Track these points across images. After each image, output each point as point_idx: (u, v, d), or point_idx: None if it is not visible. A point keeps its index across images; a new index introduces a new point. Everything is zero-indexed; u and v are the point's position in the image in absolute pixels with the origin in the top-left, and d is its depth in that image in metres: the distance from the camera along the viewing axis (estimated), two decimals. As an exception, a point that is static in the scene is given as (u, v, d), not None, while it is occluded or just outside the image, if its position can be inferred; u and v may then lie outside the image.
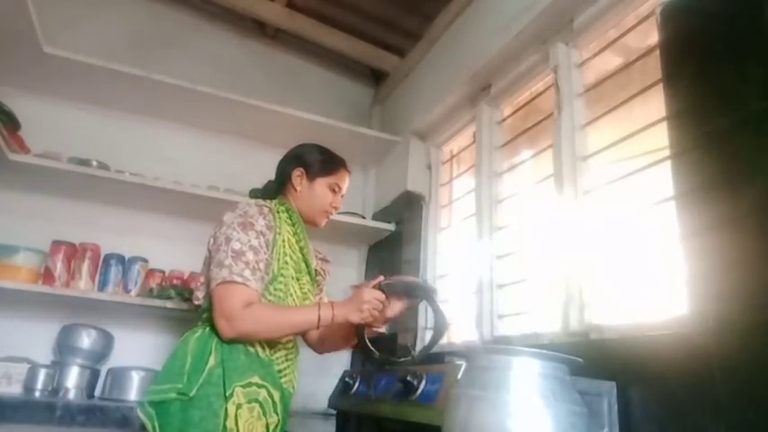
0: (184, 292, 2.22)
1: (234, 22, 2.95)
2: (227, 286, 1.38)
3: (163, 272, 2.35)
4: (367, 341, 1.57)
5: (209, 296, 1.47)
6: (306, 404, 2.34)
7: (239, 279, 1.38)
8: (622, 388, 1.14)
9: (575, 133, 1.68)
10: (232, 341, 1.40)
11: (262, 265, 1.44)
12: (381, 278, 1.54)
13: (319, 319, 1.42)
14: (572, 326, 1.52)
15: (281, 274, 1.51)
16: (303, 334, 1.66)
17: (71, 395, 2.03)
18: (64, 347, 2.14)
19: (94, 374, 2.17)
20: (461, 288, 2.17)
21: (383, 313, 1.52)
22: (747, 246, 1.02)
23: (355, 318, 1.46)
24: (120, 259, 2.30)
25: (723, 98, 1.12)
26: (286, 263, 1.53)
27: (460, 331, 2.18)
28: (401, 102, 2.91)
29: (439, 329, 1.55)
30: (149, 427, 1.33)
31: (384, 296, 1.49)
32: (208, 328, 1.45)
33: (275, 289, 1.49)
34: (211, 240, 1.51)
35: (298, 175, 1.65)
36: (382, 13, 2.75)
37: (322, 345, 1.74)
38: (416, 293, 1.57)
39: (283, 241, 1.54)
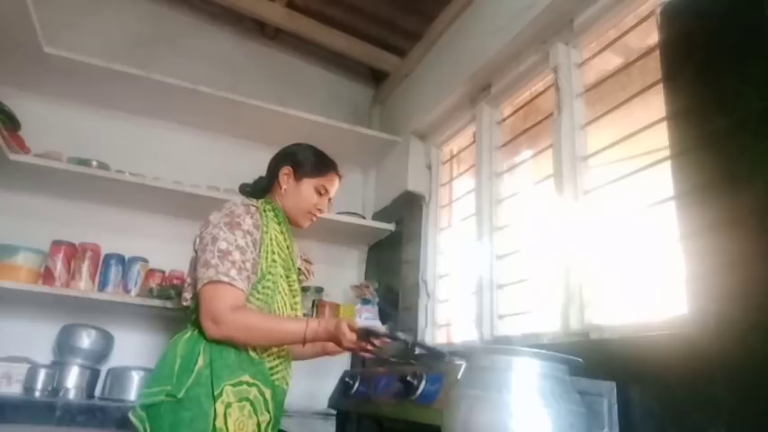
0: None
1: (234, 23, 2.95)
2: (214, 286, 1.38)
3: (163, 272, 2.35)
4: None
5: (196, 297, 1.46)
6: (306, 404, 2.34)
7: (225, 279, 1.38)
8: (622, 388, 1.14)
9: (575, 133, 1.68)
10: (218, 342, 1.40)
11: (248, 265, 1.44)
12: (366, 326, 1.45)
13: (305, 336, 1.39)
14: (572, 326, 1.52)
15: (270, 272, 1.50)
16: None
17: (71, 395, 2.03)
18: (64, 347, 2.14)
19: (94, 374, 2.17)
20: (461, 288, 2.17)
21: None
22: (747, 246, 1.02)
23: (341, 348, 1.43)
24: (120, 259, 2.30)
25: (723, 98, 1.12)
26: (274, 261, 1.52)
27: (460, 331, 2.18)
28: (401, 102, 2.91)
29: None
30: (141, 429, 1.33)
31: (362, 345, 1.40)
32: (197, 330, 1.44)
33: (263, 287, 1.48)
34: (197, 240, 1.50)
35: (285, 173, 1.64)
36: (382, 13, 2.75)
37: (300, 355, 1.67)
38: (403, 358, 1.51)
39: (270, 240, 1.53)
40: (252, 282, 1.46)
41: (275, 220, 1.59)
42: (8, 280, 1.99)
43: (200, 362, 1.37)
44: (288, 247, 1.60)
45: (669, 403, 1.10)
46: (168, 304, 2.18)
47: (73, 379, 2.08)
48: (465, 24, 2.33)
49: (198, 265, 1.44)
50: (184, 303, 1.54)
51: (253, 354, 1.44)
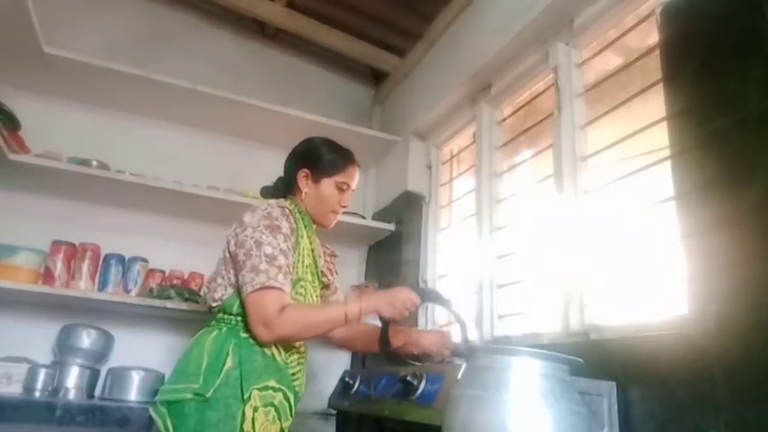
0: (184, 292, 2.21)
1: (234, 22, 2.95)
2: (264, 292, 1.37)
3: (163, 272, 2.34)
4: (389, 341, 1.58)
5: (236, 298, 1.44)
6: (306, 404, 2.33)
7: (277, 284, 1.37)
8: (622, 388, 1.14)
9: (575, 133, 1.68)
10: (265, 344, 1.41)
11: (291, 269, 1.45)
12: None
13: (346, 316, 1.42)
14: (572, 326, 1.52)
15: (303, 278, 1.51)
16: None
17: (71, 395, 2.03)
18: (64, 347, 2.14)
19: (94, 374, 2.17)
20: (461, 288, 2.17)
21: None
22: (747, 245, 1.02)
23: (387, 311, 1.46)
24: (120, 259, 2.30)
25: (723, 98, 1.12)
26: (307, 266, 1.54)
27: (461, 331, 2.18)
28: (401, 102, 2.91)
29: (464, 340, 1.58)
30: (161, 426, 1.32)
31: (419, 300, 1.50)
32: (225, 329, 1.44)
33: (296, 293, 1.49)
34: (233, 242, 1.48)
35: (303, 177, 1.62)
36: (382, 13, 2.75)
37: (346, 344, 1.77)
38: (445, 307, 1.62)
39: (303, 245, 1.54)
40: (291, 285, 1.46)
41: (302, 222, 1.58)
42: (8, 280, 1.99)
43: (229, 363, 1.36)
44: (313, 251, 1.60)
45: (669, 403, 1.10)
46: (168, 304, 2.18)
47: (73, 379, 2.07)
48: (465, 24, 2.33)
49: (244, 270, 1.41)
50: (213, 303, 1.51)
51: (278, 359, 1.44)
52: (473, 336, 1.97)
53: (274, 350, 1.43)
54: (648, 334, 1.23)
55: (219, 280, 1.51)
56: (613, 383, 1.14)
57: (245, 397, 1.33)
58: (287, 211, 1.51)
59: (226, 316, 1.46)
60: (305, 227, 1.59)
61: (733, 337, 1.01)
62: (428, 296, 1.57)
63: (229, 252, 1.49)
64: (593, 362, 1.13)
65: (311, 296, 1.55)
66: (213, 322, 1.49)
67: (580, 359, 1.05)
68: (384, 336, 1.56)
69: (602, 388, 1.14)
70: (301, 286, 1.50)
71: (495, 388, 0.97)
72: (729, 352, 1.01)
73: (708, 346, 1.04)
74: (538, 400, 0.95)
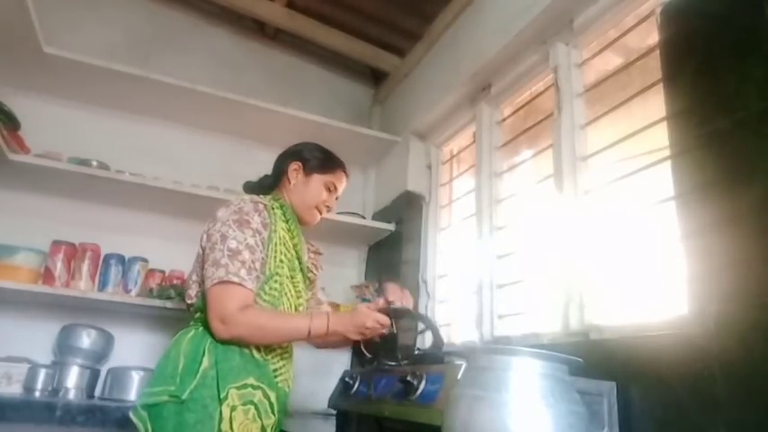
0: (184, 292, 2.21)
1: (234, 22, 2.95)
2: (223, 287, 1.37)
3: (163, 272, 2.34)
4: (361, 346, 1.59)
5: (203, 295, 1.44)
6: (306, 404, 2.34)
7: (236, 279, 1.36)
8: (622, 388, 1.14)
9: (575, 133, 1.68)
10: (225, 342, 1.39)
11: (257, 265, 1.43)
12: (381, 301, 1.57)
13: (310, 331, 1.41)
14: (572, 326, 1.52)
15: (277, 273, 1.49)
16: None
17: (71, 395, 2.03)
18: (64, 347, 2.14)
19: (94, 374, 2.17)
20: (461, 288, 2.17)
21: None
22: (747, 245, 1.02)
23: (354, 336, 1.48)
24: (120, 259, 2.30)
25: (723, 98, 1.12)
26: (281, 261, 1.51)
27: (460, 331, 2.18)
28: (401, 102, 2.91)
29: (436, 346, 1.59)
30: (142, 430, 1.31)
31: (388, 320, 1.50)
32: (201, 329, 1.43)
33: (270, 288, 1.47)
34: (204, 237, 1.48)
35: (294, 169, 1.64)
36: (382, 13, 2.75)
37: (322, 344, 1.74)
38: (419, 323, 1.62)
39: (279, 239, 1.52)
40: (260, 281, 1.45)
41: (282, 217, 1.58)
42: (8, 280, 1.99)
43: (206, 363, 1.36)
44: (294, 246, 1.58)
45: (669, 403, 1.10)
46: (168, 304, 2.18)
47: (73, 379, 2.07)
48: (465, 24, 2.33)
49: (206, 264, 1.42)
50: (188, 301, 1.52)
51: (257, 355, 1.43)
52: (473, 335, 1.98)
53: (252, 348, 1.42)
54: (648, 334, 1.23)
55: (194, 277, 1.52)
56: (613, 383, 1.14)
57: (221, 396, 1.32)
58: (260, 206, 1.50)
59: (202, 315, 1.45)
60: (286, 221, 1.58)
61: (733, 337, 1.01)
62: (399, 315, 1.55)
63: (201, 248, 1.49)
64: (593, 362, 1.13)
65: (289, 291, 1.53)
66: (191, 322, 1.49)
67: (580, 359, 1.04)
68: (359, 352, 1.59)
69: (601, 388, 1.14)
70: (275, 281, 1.48)
71: (495, 388, 0.97)
72: (729, 352, 1.01)
73: (708, 346, 1.04)
74: (538, 400, 0.95)
